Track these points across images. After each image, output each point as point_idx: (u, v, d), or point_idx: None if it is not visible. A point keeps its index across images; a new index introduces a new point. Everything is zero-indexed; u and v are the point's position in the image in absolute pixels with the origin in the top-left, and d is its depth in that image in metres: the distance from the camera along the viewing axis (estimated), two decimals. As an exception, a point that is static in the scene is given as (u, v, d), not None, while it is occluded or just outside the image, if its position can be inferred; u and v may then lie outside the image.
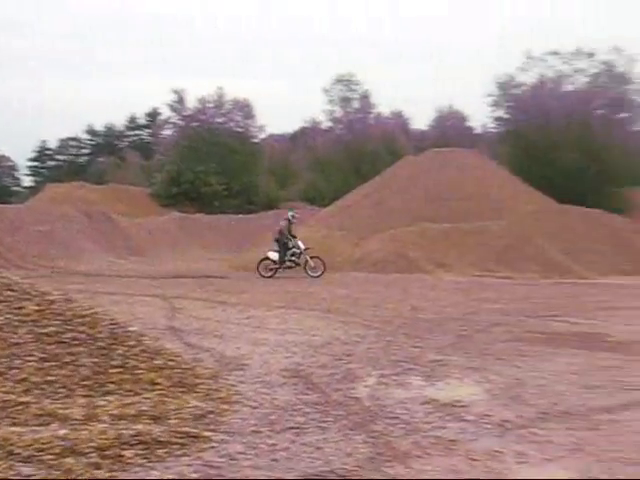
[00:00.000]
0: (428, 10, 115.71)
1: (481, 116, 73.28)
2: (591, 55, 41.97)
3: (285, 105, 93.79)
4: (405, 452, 5.00)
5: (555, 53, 42.28)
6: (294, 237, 21.56)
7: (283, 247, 21.21)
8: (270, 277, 20.94)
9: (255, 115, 51.00)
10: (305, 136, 57.83)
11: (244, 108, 50.88)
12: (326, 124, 54.83)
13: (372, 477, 4.55)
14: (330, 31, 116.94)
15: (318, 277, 20.47)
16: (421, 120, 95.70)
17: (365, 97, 52.90)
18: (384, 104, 54.75)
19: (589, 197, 34.59)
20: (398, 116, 60.36)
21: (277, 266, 21.16)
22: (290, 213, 22.41)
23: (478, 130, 55.63)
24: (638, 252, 24.08)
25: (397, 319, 11.73)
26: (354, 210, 29.63)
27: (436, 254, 23.25)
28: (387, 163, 35.60)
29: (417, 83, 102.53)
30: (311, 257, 21.18)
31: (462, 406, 6.23)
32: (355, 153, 48.34)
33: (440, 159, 31.55)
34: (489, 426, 5.66)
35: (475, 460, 4.86)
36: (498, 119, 45.40)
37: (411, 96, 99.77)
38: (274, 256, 21.20)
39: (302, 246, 21.30)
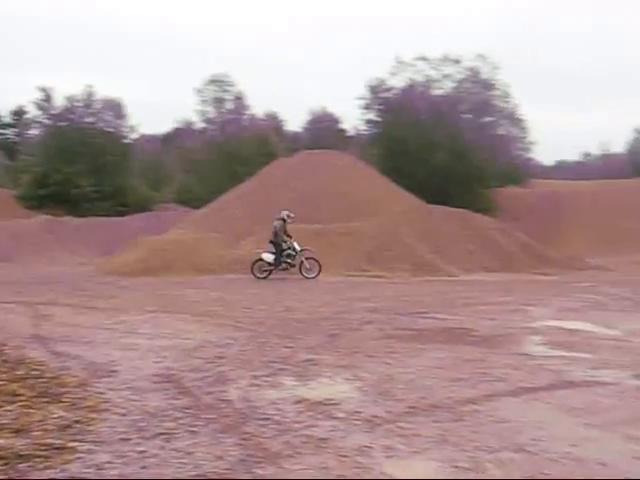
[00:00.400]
0: (319, 12, 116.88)
1: (353, 118, 74.69)
2: (457, 61, 43.70)
3: (158, 105, 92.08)
4: (276, 452, 5.01)
5: (424, 59, 43.76)
6: (289, 237, 21.21)
7: (278, 248, 20.83)
8: (264, 278, 20.58)
9: (126, 115, 49.79)
10: (178, 137, 57.03)
11: (114, 108, 49.52)
12: (199, 125, 54.35)
13: (243, 478, 4.54)
14: (204, 31, 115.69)
15: (314, 278, 20.33)
16: (295, 122, 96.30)
17: (239, 98, 52.77)
18: (258, 105, 54.91)
19: (457, 197, 35.95)
20: (272, 118, 60.64)
21: (272, 267, 20.78)
22: (284, 212, 21.69)
23: (351, 132, 56.74)
24: (502, 250, 25.19)
25: (270, 320, 11.74)
26: (227, 212, 29.44)
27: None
28: (261, 165, 35.59)
29: (291, 85, 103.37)
30: (307, 258, 20.94)
31: (333, 404, 6.31)
32: (229, 154, 48.11)
33: (312, 161, 31.87)
34: (359, 423, 5.76)
35: (345, 457, 4.94)
36: (369, 121, 46.46)
37: (285, 98, 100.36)
38: (268, 257, 20.77)
39: (297, 247, 21.00)
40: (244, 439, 5.32)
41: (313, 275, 20.60)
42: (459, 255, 23.64)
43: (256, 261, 21.07)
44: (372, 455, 5.00)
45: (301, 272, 20.82)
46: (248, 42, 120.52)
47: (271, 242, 21.06)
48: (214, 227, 27.75)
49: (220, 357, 8.49)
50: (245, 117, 53.82)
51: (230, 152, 47.93)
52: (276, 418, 5.88)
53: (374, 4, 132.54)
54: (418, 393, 6.69)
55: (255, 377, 7.38)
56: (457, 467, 4.79)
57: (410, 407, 6.20)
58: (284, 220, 21.38)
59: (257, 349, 9.03)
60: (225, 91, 52.34)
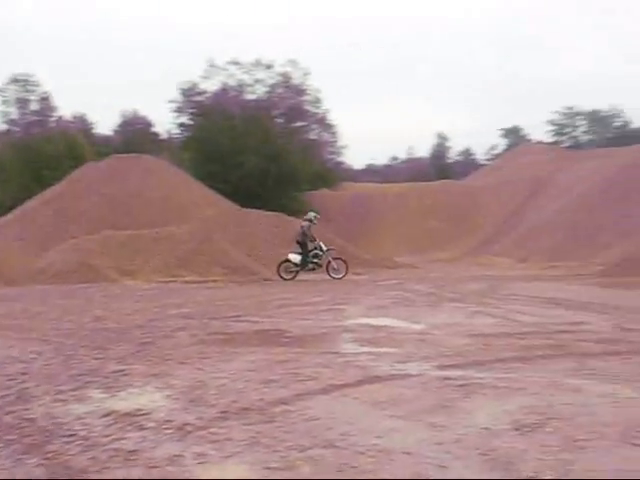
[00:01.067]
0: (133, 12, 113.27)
1: (166, 122, 73.55)
2: (269, 67, 44.31)
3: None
4: (81, 469, 4.80)
5: (236, 63, 44.00)
6: (314, 239, 20.65)
7: (304, 249, 20.25)
8: (291, 279, 19.98)
9: None
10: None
11: None
12: (1, 126, 51.30)
13: None
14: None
15: (340, 279, 20.03)
16: (106, 125, 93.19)
17: (44, 99, 50.36)
18: (66, 107, 52.72)
19: (271, 201, 36.44)
20: (81, 120, 58.38)
21: (298, 268, 20.27)
22: (312, 214, 21.38)
23: (164, 136, 55.88)
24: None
25: (79, 331, 11.25)
26: (33, 218, 28.04)
27: (121, 262, 22.79)
28: (69, 169, 34.19)
29: (102, 87, 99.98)
30: (334, 258, 20.54)
31: (143, 414, 6.15)
32: (34, 158, 45.71)
33: (123, 165, 31.09)
34: (170, 431, 5.65)
35: (154, 467, 4.83)
36: (182, 125, 46.01)
37: (95, 100, 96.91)
38: (295, 258, 20.28)
39: (324, 247, 20.46)
40: (48, 458, 5.05)
41: (340, 275, 20.59)
42: (274, 257, 23.93)
43: (283, 262, 20.81)
44: (183, 463, 4.92)
45: (328, 272, 20.77)
46: (55, 42, 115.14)
47: (298, 243, 20.98)
48: (18, 235, 26.33)
49: (23, 373, 8.01)
50: (52, 119, 51.46)
51: (36, 155, 45.57)
52: (82, 433, 5.63)
53: (187, 10, 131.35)
54: (230, 397, 6.68)
55: (61, 392, 7.04)
56: (269, 468, 4.83)
57: (222, 412, 6.18)
58: (311, 221, 21.31)
59: (64, 362, 8.62)
60: (29, 91, 49.74)
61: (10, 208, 31.98)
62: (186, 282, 20.80)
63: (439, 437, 5.47)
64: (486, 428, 5.61)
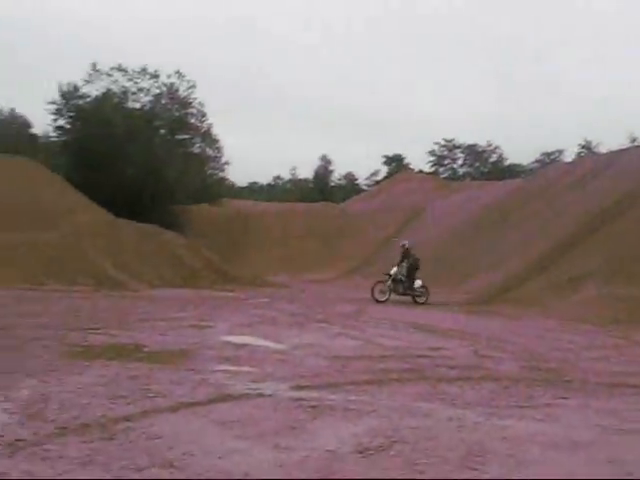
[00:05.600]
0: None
1: (45, 123, 71.06)
2: (155, 76, 43.59)
3: None
4: None
5: (121, 69, 42.99)
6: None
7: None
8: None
9: None
10: None
11: None
12: None
13: None
14: None
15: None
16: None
17: None
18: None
19: (147, 212, 35.71)
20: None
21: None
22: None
23: (42, 138, 53.82)
24: (187, 266, 25.48)
25: None
26: None
27: (-20, 267, 21.67)
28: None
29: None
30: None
31: (-28, 429, 5.79)
32: None
33: (-8, 165, 29.66)
34: (-1, 447, 5.35)
35: (-27, 485, 4.54)
36: (60, 128, 44.45)
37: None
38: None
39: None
40: None
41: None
42: (145, 270, 23.44)
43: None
44: (7, 482, 4.65)
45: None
46: None
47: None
48: None
49: None
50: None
51: None
52: None
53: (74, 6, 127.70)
54: (72, 412, 6.40)
55: None
56: (97, 488, 4.64)
57: (60, 427, 5.90)
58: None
59: None
60: None
61: None
62: (49, 290, 19.98)
63: (282, 459, 5.42)
64: (330, 451, 5.62)
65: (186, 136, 46.25)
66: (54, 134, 45.66)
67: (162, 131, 45.15)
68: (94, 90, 43.48)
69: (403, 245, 22.54)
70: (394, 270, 21.66)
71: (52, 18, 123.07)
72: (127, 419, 6.26)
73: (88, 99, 43.96)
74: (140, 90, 44.09)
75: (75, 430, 5.87)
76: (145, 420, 6.28)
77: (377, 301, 20.97)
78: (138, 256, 24.26)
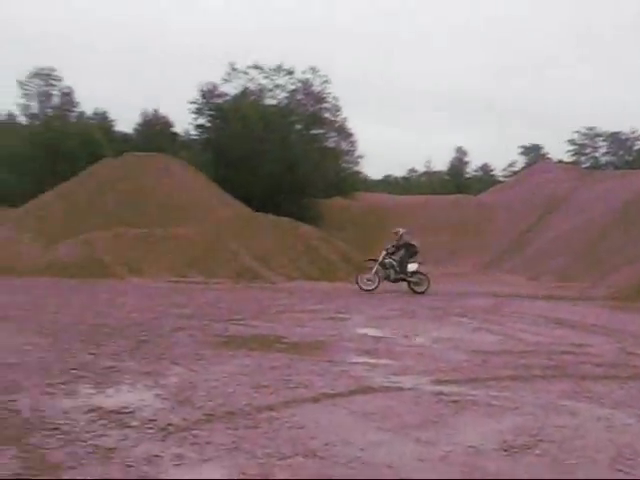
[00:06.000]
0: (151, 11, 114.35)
1: (186, 122, 73.99)
2: (290, 72, 44.33)
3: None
4: (56, 464, 4.76)
5: (257, 67, 44.04)
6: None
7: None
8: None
9: None
10: (-4, 131, 53.84)
11: None
12: (22, 119, 51.64)
13: None
14: (27, 18, 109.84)
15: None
16: (127, 123, 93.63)
17: (66, 94, 50.68)
18: (87, 103, 53.03)
19: (284, 206, 36.42)
20: (102, 117, 58.69)
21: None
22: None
23: (183, 136, 56.05)
24: (323, 259, 25.76)
25: (77, 326, 11.24)
26: (47, 211, 28.16)
27: (131, 259, 22.84)
28: (86, 164, 34.33)
29: (125, 85, 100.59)
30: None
31: (128, 412, 6.10)
32: (52, 152, 45.97)
33: (140, 163, 31.18)
34: (152, 431, 5.59)
35: (130, 466, 4.77)
36: (200, 127, 46.10)
37: (117, 98, 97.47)
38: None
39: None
40: (25, 451, 5.01)
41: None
42: (282, 262, 23.92)
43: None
44: (160, 464, 4.86)
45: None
46: (82, 36, 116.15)
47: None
48: (31, 227, 26.44)
49: (15, 364, 8.00)
50: (73, 114, 51.76)
51: (53, 149, 45.82)
52: (65, 428, 5.59)
53: (210, 12, 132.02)
54: (218, 400, 6.62)
55: (50, 385, 7.01)
56: (244, 474, 4.77)
57: (207, 414, 6.11)
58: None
59: (57, 356, 8.60)
60: (51, 85, 50.08)
61: (24, 200, 32.15)
62: (193, 282, 20.76)
63: (424, 453, 5.38)
64: (473, 447, 5.52)
65: (321, 131, 46.79)
66: (195, 132, 47.41)
67: (297, 126, 45.90)
68: (232, 89, 44.77)
69: (397, 232, 21.02)
70: (382, 255, 20.43)
71: (187, 25, 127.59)
72: (270, 408, 6.40)
73: (227, 97, 45.33)
74: (276, 87, 45.04)
75: (221, 417, 6.06)
76: (287, 410, 6.39)
77: (363, 290, 19.66)
78: (276, 249, 24.78)
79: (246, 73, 44.18)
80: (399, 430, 5.95)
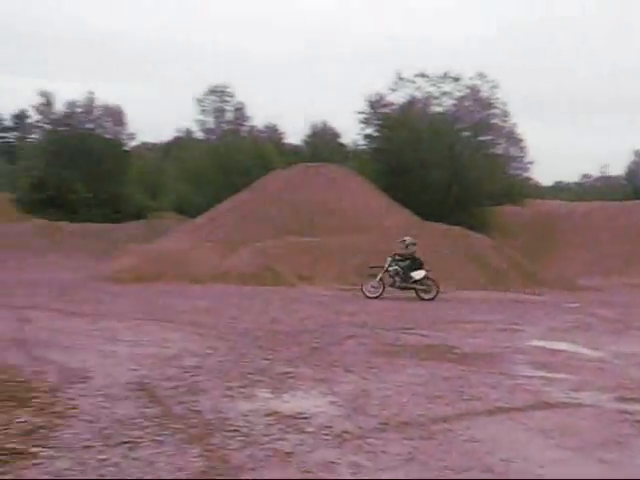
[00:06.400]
0: (320, 23, 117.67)
1: (353, 133, 74.93)
2: (457, 79, 43.75)
3: (158, 114, 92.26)
4: (238, 465, 4.94)
5: (424, 75, 43.79)
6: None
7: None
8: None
9: (126, 122, 49.96)
10: (178, 146, 57.04)
11: (114, 114, 49.69)
12: (199, 135, 54.35)
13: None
14: (205, 39, 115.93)
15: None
16: (295, 135, 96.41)
17: (239, 109, 52.83)
18: (258, 117, 54.98)
19: (452, 215, 35.96)
20: (272, 130, 60.69)
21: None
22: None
23: (350, 146, 56.83)
24: (494, 268, 25.17)
25: (253, 331, 11.66)
26: (222, 222, 29.45)
27: (302, 267, 23.43)
28: (258, 176, 35.61)
29: (292, 98, 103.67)
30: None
31: (304, 418, 6.23)
32: (226, 165, 48.10)
33: (309, 173, 31.91)
34: (328, 438, 5.68)
35: (308, 472, 4.87)
36: (368, 136, 46.49)
37: (286, 111, 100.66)
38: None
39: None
40: (209, 450, 5.24)
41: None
42: (451, 272, 23.58)
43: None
44: (336, 471, 4.92)
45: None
46: (251, 54, 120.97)
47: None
48: (208, 236, 27.77)
49: (197, 367, 8.42)
50: (244, 128, 53.89)
51: (228, 162, 47.93)
52: (244, 430, 5.80)
53: (378, 19, 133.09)
54: (392, 409, 6.62)
55: (229, 388, 7.31)
56: (420, 486, 4.73)
57: (382, 423, 6.12)
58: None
59: (236, 360, 8.96)
60: (225, 101, 52.42)
61: (203, 211, 33.83)
62: (358, 290, 20.91)
63: (608, 475, 5.10)
64: (663, 472, 5.17)
65: (489, 137, 45.81)
66: (362, 142, 47.86)
67: (465, 133, 45.20)
68: (399, 97, 44.81)
69: (404, 241, 20.51)
70: (387, 262, 19.94)
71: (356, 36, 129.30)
72: (444, 420, 6.32)
73: (394, 107, 45.46)
74: (443, 94, 44.57)
75: (395, 427, 6.05)
76: (462, 422, 6.28)
77: (368, 297, 19.09)
78: (445, 258, 24.48)
79: (412, 82, 44.06)
80: (580, 449, 5.68)
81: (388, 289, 19.85)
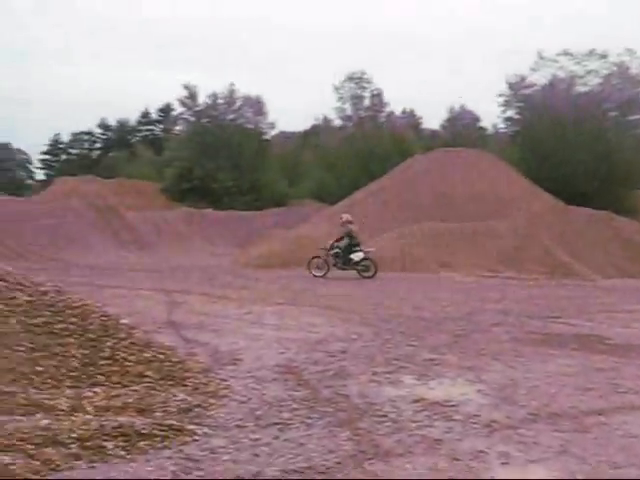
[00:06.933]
0: (440, 6, 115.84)
1: (492, 116, 73.11)
2: (604, 56, 41.72)
3: (296, 102, 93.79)
4: (388, 450, 4.96)
5: (567, 54, 42.04)
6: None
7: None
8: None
9: (266, 112, 51.05)
10: (316, 134, 57.74)
11: (255, 105, 50.88)
12: (337, 122, 54.74)
13: (352, 474, 4.52)
14: (341, 27, 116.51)
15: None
16: (433, 120, 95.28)
17: (376, 95, 52.75)
18: (395, 103, 54.67)
19: (598, 198, 34.42)
20: (410, 115, 60.26)
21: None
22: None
23: (490, 130, 55.54)
24: (644, 254, 23.98)
25: (397, 317, 11.67)
26: (361, 208, 29.55)
27: (442, 253, 23.17)
28: (397, 162, 35.47)
29: (430, 82, 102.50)
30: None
31: (452, 405, 6.18)
32: (365, 152, 48.17)
33: (449, 158, 31.47)
34: (476, 426, 5.60)
35: (457, 460, 4.82)
36: (509, 119, 45.27)
37: (423, 95, 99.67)
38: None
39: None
40: (357, 434, 5.30)
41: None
42: (598, 258, 22.65)
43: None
44: (486, 460, 4.85)
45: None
46: (385, 38, 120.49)
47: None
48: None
49: (343, 351, 8.53)
50: (382, 114, 53.74)
51: (366, 149, 48.00)
52: (392, 416, 5.82)
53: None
54: (542, 400, 6.44)
55: (375, 373, 7.36)
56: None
57: (531, 414, 5.97)
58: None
59: (380, 346, 9.01)
60: (362, 88, 52.44)
61: (341, 198, 34.09)
62: (504, 278, 20.47)
63: None
64: None
65: (638, 117, 43.41)
66: (503, 126, 46.66)
67: (612, 113, 43.05)
68: (541, 78, 43.25)
69: (341, 218, 21.50)
70: (329, 243, 20.86)
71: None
72: (599, 413, 6.08)
73: (535, 88, 43.94)
74: (588, 73, 42.59)
75: (546, 418, 5.89)
76: (618, 416, 6.03)
77: (314, 276, 20.16)
78: (591, 244, 23.54)
79: (555, 61, 42.38)
80: None
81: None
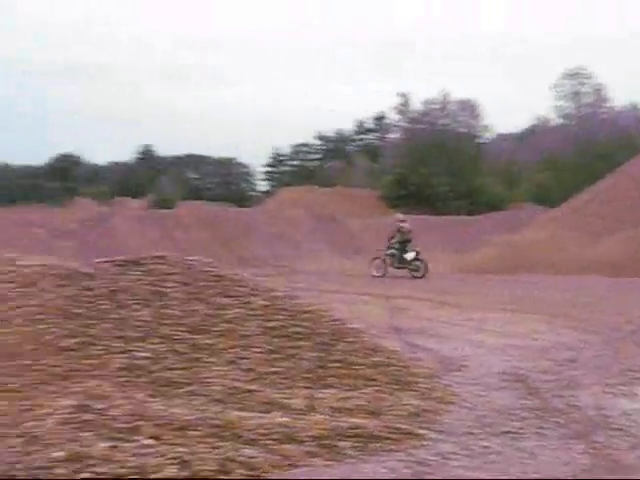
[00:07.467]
0: None
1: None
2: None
3: (508, 104, 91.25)
4: (629, 465, 4.73)
5: None
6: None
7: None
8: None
9: (480, 115, 50.39)
10: (534, 135, 55.95)
11: (469, 108, 50.40)
12: (556, 121, 52.76)
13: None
14: (547, 27, 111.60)
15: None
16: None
17: (598, 91, 50.22)
18: (619, 98, 51.60)
19: None
20: (635, 109, 56.57)
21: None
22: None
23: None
24: None
25: (627, 326, 11.02)
26: (585, 210, 28.28)
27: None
28: (622, 160, 33.48)
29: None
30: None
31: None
32: (587, 150, 45.98)
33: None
34: None
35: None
36: None
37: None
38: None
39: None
40: (594, 448, 5.10)
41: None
42: None
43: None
44: None
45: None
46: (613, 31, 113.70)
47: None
48: (570, 226, 26.89)
49: (571, 360, 8.23)
50: (604, 110, 51.00)
51: (588, 148, 45.80)
52: (631, 430, 5.53)
53: None
54: None
55: (608, 385, 7.02)
56: None
57: None
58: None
59: (611, 355, 8.58)
60: (582, 84, 50.15)
61: (563, 200, 32.79)
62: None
63: None
64: None
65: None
66: None
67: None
68: None
69: (397, 219, 22.52)
70: (388, 244, 21.55)
71: None
72: None
73: None
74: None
75: None
76: None
77: (373, 276, 20.82)
78: None
79: None
80: None
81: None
